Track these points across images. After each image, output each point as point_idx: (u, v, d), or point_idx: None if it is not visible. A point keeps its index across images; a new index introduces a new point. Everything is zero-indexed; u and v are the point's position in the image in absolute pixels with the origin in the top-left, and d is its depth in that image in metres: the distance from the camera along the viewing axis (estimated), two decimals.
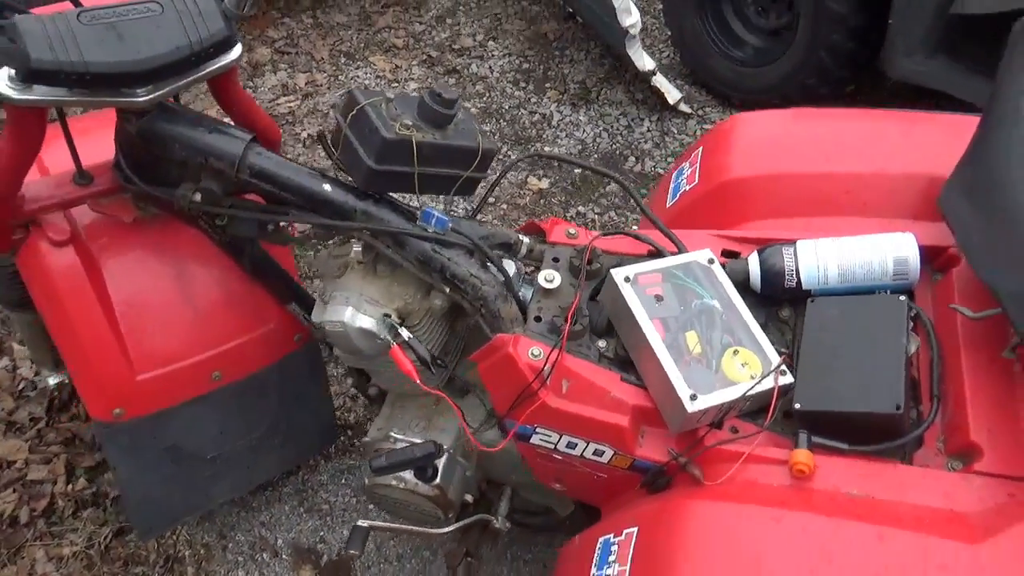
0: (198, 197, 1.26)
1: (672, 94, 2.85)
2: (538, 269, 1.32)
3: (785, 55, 2.66)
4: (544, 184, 2.69)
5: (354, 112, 1.18)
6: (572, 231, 1.35)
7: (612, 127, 2.90)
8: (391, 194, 1.28)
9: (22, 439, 1.95)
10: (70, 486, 1.88)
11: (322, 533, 1.86)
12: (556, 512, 1.59)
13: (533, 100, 3.00)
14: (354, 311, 1.25)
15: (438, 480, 1.39)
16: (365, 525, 1.48)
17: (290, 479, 1.94)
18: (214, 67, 1.18)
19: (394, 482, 1.40)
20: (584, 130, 2.89)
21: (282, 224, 1.33)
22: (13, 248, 1.34)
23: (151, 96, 1.14)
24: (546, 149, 2.82)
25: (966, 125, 1.22)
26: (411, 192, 1.23)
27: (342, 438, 1.99)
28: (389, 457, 1.30)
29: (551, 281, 1.26)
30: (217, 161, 1.20)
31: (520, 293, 1.29)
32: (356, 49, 3.21)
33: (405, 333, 1.23)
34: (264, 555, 1.82)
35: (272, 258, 1.46)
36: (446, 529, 1.49)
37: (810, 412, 1.08)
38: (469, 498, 1.48)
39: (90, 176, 1.33)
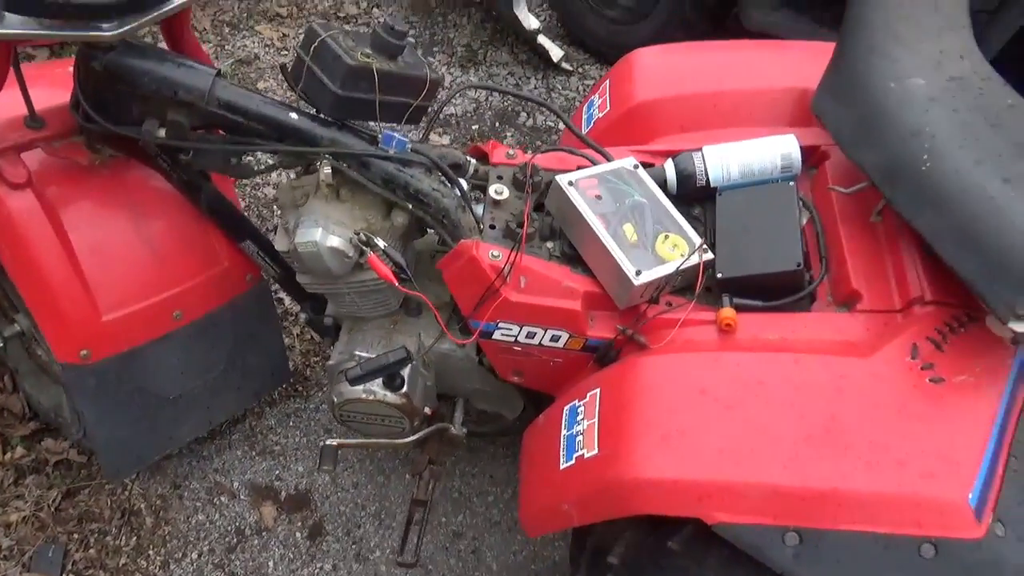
0: (163, 132, 1.32)
1: (555, 52, 3.06)
2: (482, 190, 1.48)
3: (653, 12, 2.94)
4: (445, 140, 2.83)
5: (316, 44, 1.28)
6: (511, 152, 1.52)
7: (501, 86, 3.07)
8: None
9: None
10: (7, 455, 1.85)
11: (277, 472, 1.94)
12: (506, 417, 1.77)
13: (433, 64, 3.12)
14: (324, 231, 1.36)
15: (405, 388, 1.52)
16: (334, 443, 1.59)
17: (237, 427, 1.99)
18: (175, 4, 1.24)
19: (364, 395, 1.52)
20: (476, 90, 3.04)
21: (245, 157, 1.41)
22: None
23: (118, 31, 1.19)
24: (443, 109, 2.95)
25: (822, 48, 1.50)
26: (370, 119, 1.35)
27: (284, 385, 2.06)
28: (364, 365, 1.42)
29: (500, 194, 1.42)
30: (187, 93, 1.26)
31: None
32: (239, 19, 3.20)
33: (381, 242, 1.35)
34: (222, 498, 1.88)
35: (225, 196, 1.53)
36: (409, 439, 1.62)
37: (730, 279, 1.31)
38: (428, 410, 1.62)
39: (42, 120, 1.35)
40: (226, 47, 3.08)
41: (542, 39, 3.00)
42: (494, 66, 3.15)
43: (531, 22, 2.93)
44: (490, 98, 3.02)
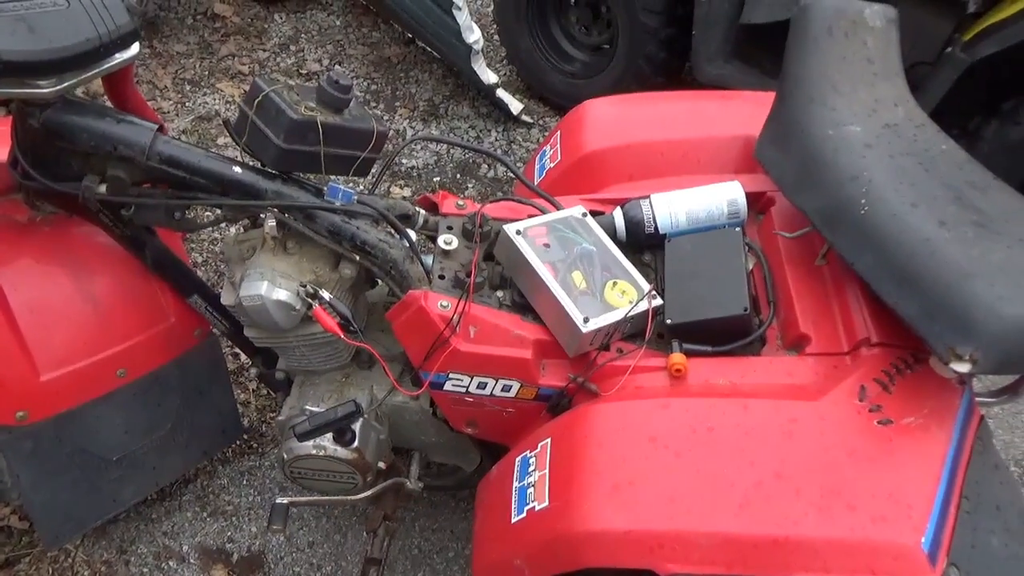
0: (103, 188, 1.30)
1: (514, 105, 3.11)
2: (432, 240, 1.48)
3: (609, 66, 3.01)
4: (407, 192, 2.84)
5: (259, 98, 1.28)
6: (461, 203, 1.52)
7: (463, 139, 3.11)
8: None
9: None
10: None
11: (229, 533, 1.87)
12: (463, 469, 1.73)
13: (385, 118, 3.16)
14: (270, 284, 1.34)
15: (356, 443, 1.49)
16: (285, 502, 1.54)
17: (188, 487, 1.93)
18: (116, 61, 1.24)
19: (314, 451, 1.48)
20: (437, 143, 3.07)
21: (188, 211, 1.39)
22: None
23: (56, 88, 1.18)
24: (404, 161, 2.97)
25: (765, 98, 1.54)
26: (315, 172, 1.35)
27: (237, 442, 2.00)
28: (312, 420, 1.38)
29: (449, 244, 1.42)
30: (127, 149, 1.25)
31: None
32: (201, 76, 3.22)
33: (326, 294, 1.33)
34: (171, 563, 1.81)
35: (172, 251, 1.50)
36: (363, 495, 1.58)
37: (679, 324, 1.31)
38: (382, 464, 1.59)
39: None
40: (187, 104, 3.09)
41: (501, 93, 3.05)
42: (455, 120, 3.19)
43: (489, 77, 2.97)
44: (452, 151, 3.05)
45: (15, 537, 1.81)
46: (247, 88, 1.31)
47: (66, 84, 1.19)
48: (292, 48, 3.43)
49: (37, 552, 1.79)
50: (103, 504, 1.61)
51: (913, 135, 1.33)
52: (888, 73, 1.42)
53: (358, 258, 1.37)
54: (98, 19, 1.17)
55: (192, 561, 1.81)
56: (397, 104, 3.22)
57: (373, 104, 3.21)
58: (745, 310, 1.28)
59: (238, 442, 2.00)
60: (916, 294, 1.11)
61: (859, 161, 1.24)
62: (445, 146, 3.06)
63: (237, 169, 1.32)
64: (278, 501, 1.53)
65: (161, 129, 1.30)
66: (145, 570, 1.79)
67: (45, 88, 1.17)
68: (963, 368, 1.07)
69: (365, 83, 3.30)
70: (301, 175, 1.38)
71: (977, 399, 1.30)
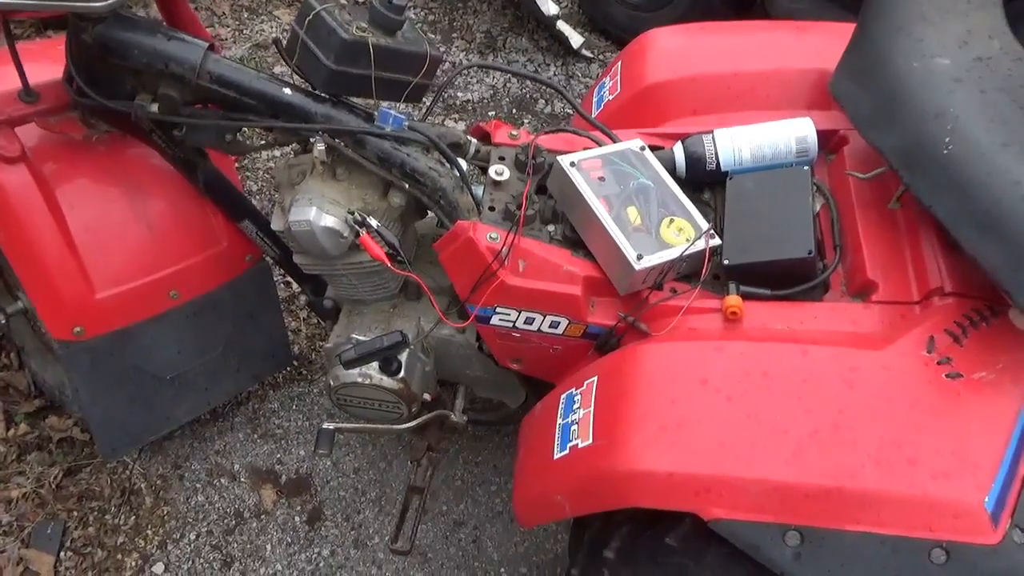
0: (155, 108, 1.29)
1: (574, 39, 3.00)
2: (483, 170, 1.44)
3: None
4: (461, 127, 2.79)
5: (310, 17, 1.25)
6: (514, 132, 1.47)
7: (507, 66, 3.02)
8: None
9: None
10: (11, 432, 1.85)
11: (278, 456, 1.91)
12: (508, 405, 1.72)
13: (442, 49, 3.08)
14: (319, 210, 1.33)
15: (402, 373, 1.49)
16: (331, 427, 1.56)
17: (240, 409, 1.98)
18: None
19: (360, 379, 1.49)
20: (494, 75, 3.00)
21: (239, 134, 1.38)
22: None
23: (109, 2, 1.16)
24: (459, 95, 2.91)
25: (844, 29, 1.43)
26: (366, 96, 1.31)
27: (287, 368, 2.04)
28: (358, 348, 1.38)
29: (501, 174, 1.38)
30: (177, 67, 1.24)
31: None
32: (258, 3, 3.18)
33: (374, 222, 1.31)
34: (222, 480, 1.86)
35: (224, 175, 1.50)
36: (408, 425, 1.59)
37: (737, 265, 1.25)
38: (427, 396, 1.59)
39: (36, 94, 1.33)
40: (244, 31, 3.07)
41: (561, 25, 2.95)
42: (513, 52, 3.10)
43: (550, 8, 2.87)
44: (508, 84, 2.97)
45: (77, 447, 1.88)
46: None
47: None
48: None
49: (97, 463, 1.86)
50: (157, 421, 1.66)
51: (1008, 70, 1.21)
52: (984, 2, 1.31)
53: (407, 186, 1.34)
54: None
55: (243, 480, 1.87)
56: (454, 35, 3.15)
57: (430, 35, 3.13)
58: (809, 253, 1.21)
59: (288, 368, 2.03)
60: (1000, 241, 1.03)
61: (946, 96, 1.15)
62: (501, 80, 2.98)
63: (287, 91, 1.29)
64: (324, 426, 1.54)
65: (212, 48, 1.28)
66: (198, 485, 1.85)
67: (98, 2, 1.16)
68: None
69: (422, 13, 3.22)
70: (352, 99, 1.35)
71: None
